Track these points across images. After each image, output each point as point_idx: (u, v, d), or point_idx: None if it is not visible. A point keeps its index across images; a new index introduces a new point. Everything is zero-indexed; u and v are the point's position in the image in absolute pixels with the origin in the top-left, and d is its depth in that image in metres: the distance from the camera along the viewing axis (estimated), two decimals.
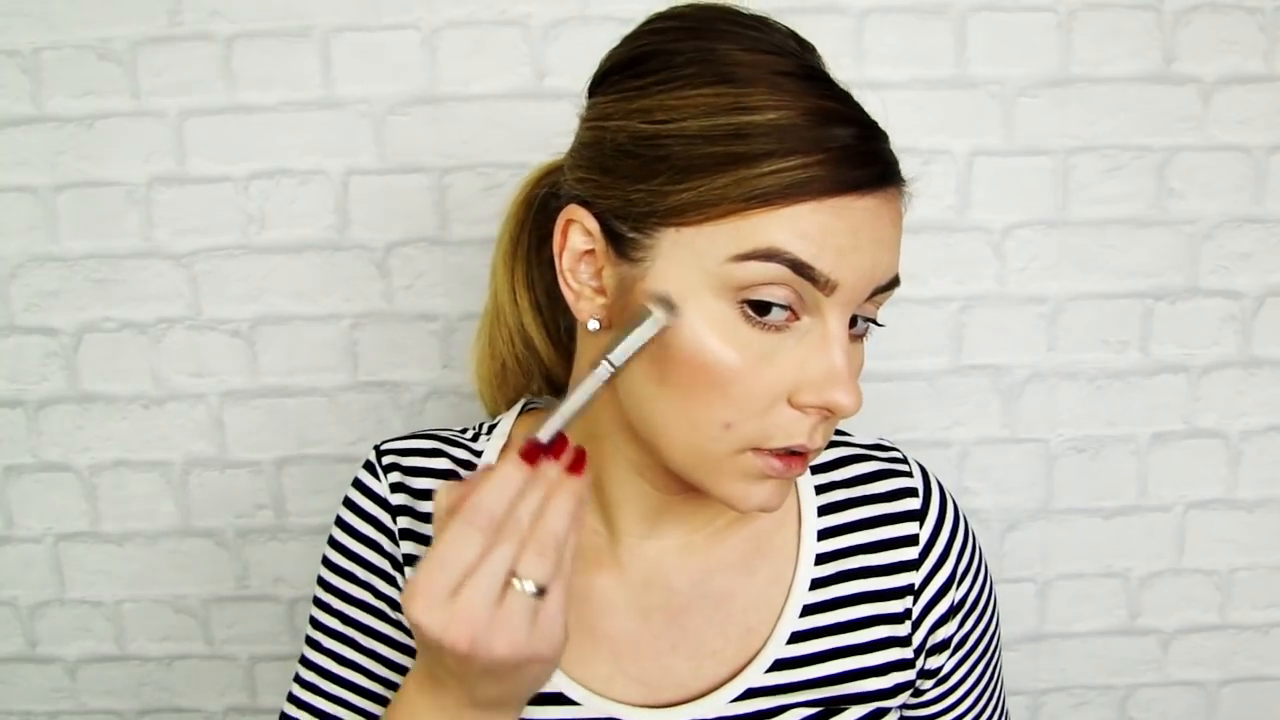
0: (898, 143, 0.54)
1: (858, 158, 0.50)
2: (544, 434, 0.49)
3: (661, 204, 0.51)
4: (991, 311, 1.01)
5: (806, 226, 0.49)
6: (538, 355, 0.69)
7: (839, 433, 0.69)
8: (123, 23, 0.95)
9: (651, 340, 0.51)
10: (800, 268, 0.50)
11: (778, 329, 0.51)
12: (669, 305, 0.51)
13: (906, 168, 0.54)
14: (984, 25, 0.96)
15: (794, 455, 0.54)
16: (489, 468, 0.48)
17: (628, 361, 0.51)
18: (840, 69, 0.55)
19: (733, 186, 0.49)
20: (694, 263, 0.51)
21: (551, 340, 0.69)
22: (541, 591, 0.46)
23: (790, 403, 0.52)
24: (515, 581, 0.46)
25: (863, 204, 0.51)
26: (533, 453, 0.48)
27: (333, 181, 0.98)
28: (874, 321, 0.56)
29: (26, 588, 1.07)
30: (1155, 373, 1.03)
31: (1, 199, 0.99)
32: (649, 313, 0.51)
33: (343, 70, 0.96)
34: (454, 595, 0.45)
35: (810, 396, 0.52)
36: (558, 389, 0.71)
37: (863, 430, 0.71)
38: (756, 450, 0.53)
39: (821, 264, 0.50)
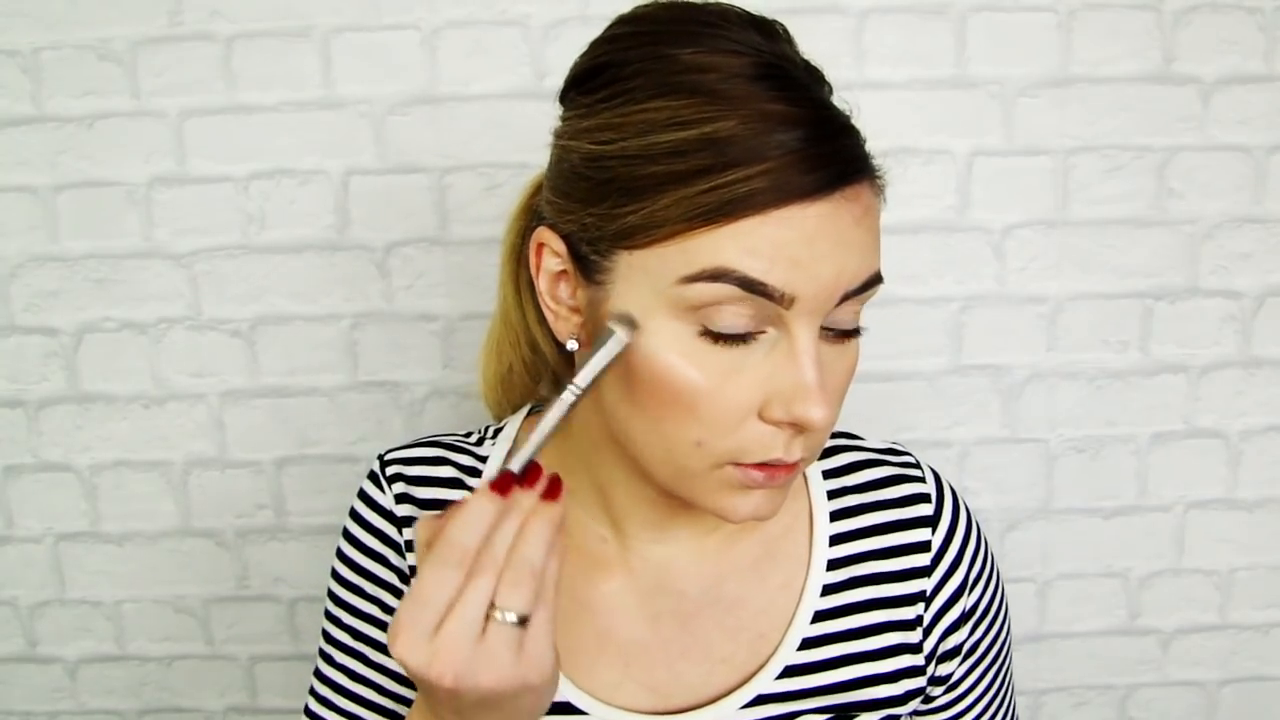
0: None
1: (805, 162, 0.48)
2: (515, 463, 0.48)
3: (611, 227, 0.51)
4: (991, 311, 1.01)
5: (754, 242, 0.48)
6: (544, 358, 0.69)
7: (852, 436, 0.69)
8: (123, 23, 0.95)
9: (617, 358, 0.50)
10: (751, 285, 0.48)
11: (742, 343, 0.50)
12: (630, 322, 0.50)
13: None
14: (984, 25, 0.96)
15: (776, 466, 0.53)
16: (462, 501, 0.48)
17: (593, 383, 0.50)
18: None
19: (674, 206, 0.48)
20: (648, 285, 0.50)
21: (557, 344, 0.69)
22: (523, 621, 0.46)
23: (761, 417, 0.51)
24: (496, 613, 0.45)
25: (816, 210, 0.48)
26: (505, 483, 0.48)
27: (333, 181, 0.98)
28: (854, 329, 0.54)
29: (26, 588, 1.07)
30: (1155, 373, 1.03)
31: (1, 199, 0.99)
32: (611, 332, 0.50)
33: (343, 70, 0.96)
34: (436, 632, 0.45)
35: (778, 411, 0.50)
36: None
37: (863, 431, 0.71)
38: (735, 464, 0.53)
39: (774, 279, 0.48)
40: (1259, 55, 0.97)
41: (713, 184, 0.48)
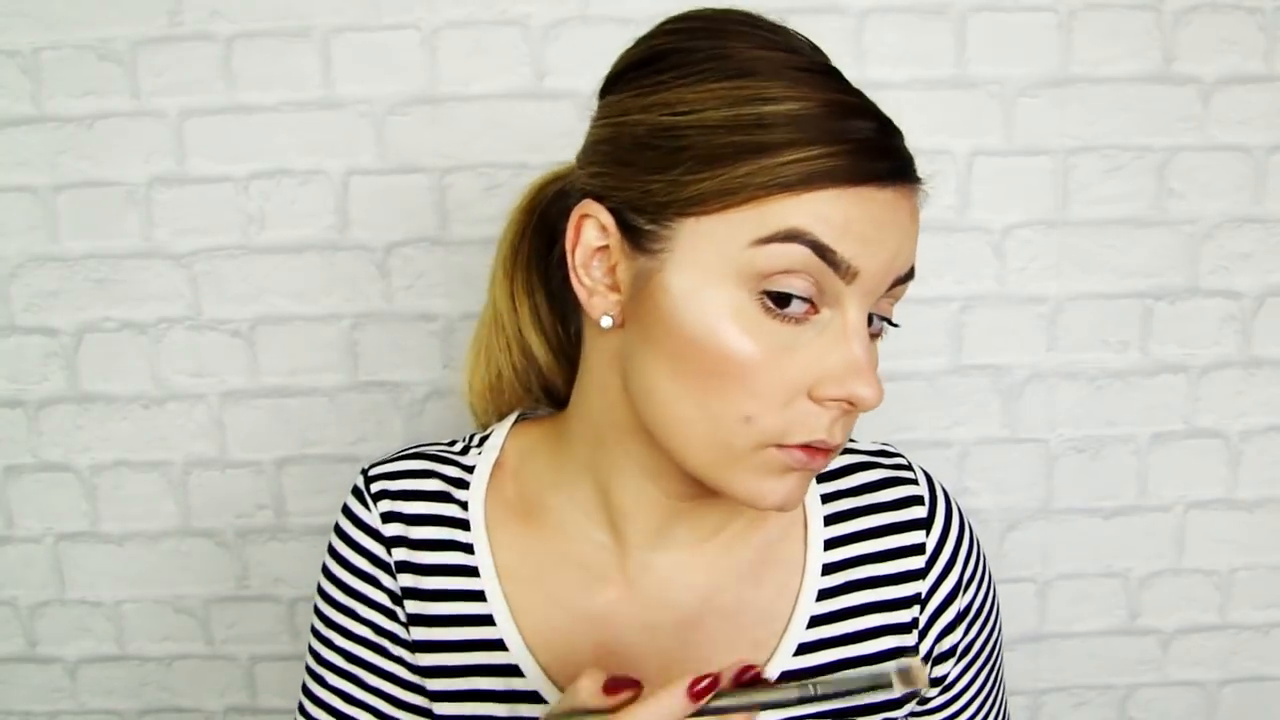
0: None
1: (878, 151, 0.51)
2: (712, 686, 0.48)
3: (681, 194, 0.51)
4: (991, 311, 1.01)
5: (828, 212, 0.50)
6: (537, 365, 0.68)
7: None
8: (123, 23, 0.95)
9: (865, 693, 0.48)
10: (822, 250, 0.49)
11: (797, 321, 0.51)
12: (909, 679, 0.48)
13: (919, 168, 0.55)
14: (984, 25, 0.96)
15: (817, 449, 0.53)
16: (657, 693, 0.47)
17: (835, 697, 0.49)
18: (840, 69, 0.55)
19: (755, 174, 0.50)
20: (714, 251, 0.51)
21: (551, 349, 0.68)
22: None
23: (810, 396, 0.52)
24: None
25: (883, 195, 0.51)
26: (704, 690, 0.48)
27: (333, 181, 0.98)
28: (889, 321, 0.56)
29: (26, 588, 1.07)
30: (1155, 373, 1.03)
31: (1, 199, 0.99)
32: (888, 676, 0.48)
33: (343, 70, 0.96)
34: None
35: (831, 389, 0.51)
36: (556, 400, 0.69)
37: (864, 430, 0.71)
38: (779, 446, 0.53)
39: (843, 249, 0.50)
40: (1259, 55, 0.97)
41: (797, 157, 0.49)
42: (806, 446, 0.53)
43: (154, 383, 1.02)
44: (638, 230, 0.53)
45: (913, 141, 1.02)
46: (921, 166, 0.56)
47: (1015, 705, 1.09)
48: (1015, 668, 1.07)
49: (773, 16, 0.55)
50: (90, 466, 1.04)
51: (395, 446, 1.03)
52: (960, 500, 0.97)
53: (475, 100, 0.97)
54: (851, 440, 0.69)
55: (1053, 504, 1.05)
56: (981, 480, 1.05)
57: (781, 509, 0.55)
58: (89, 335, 1.01)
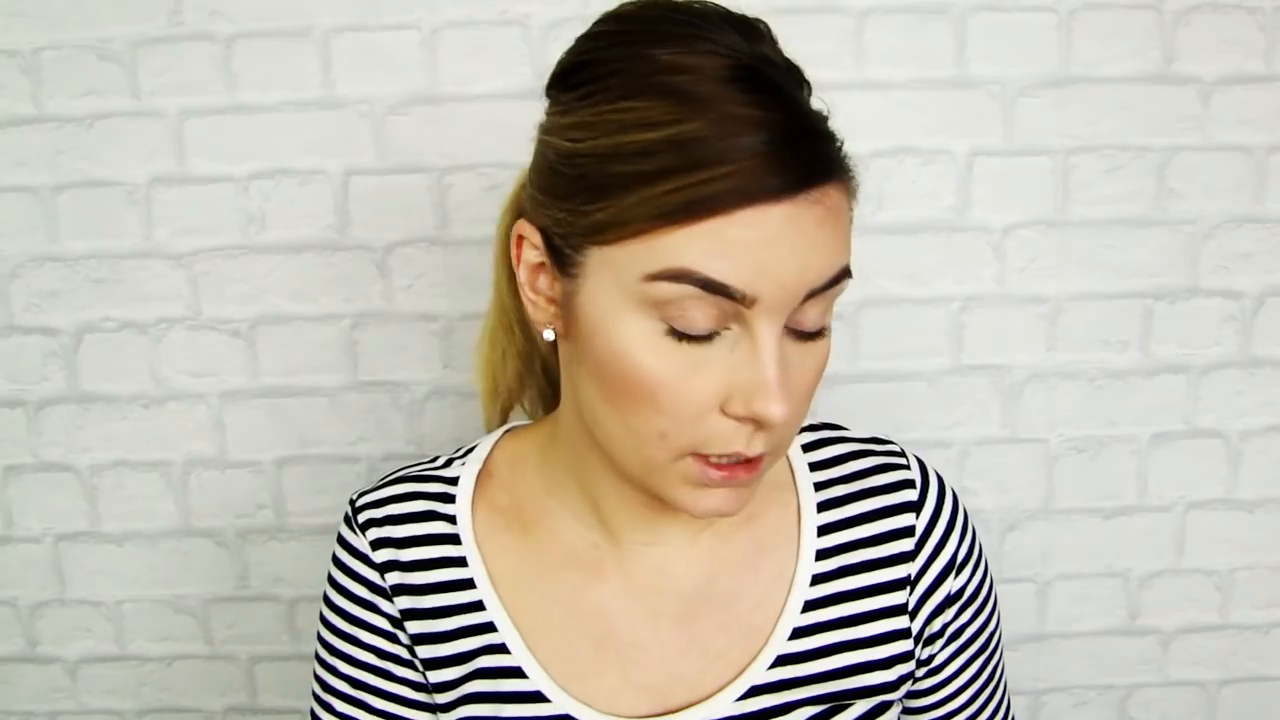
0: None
1: (769, 165, 0.48)
2: None
3: (582, 222, 0.52)
4: (991, 311, 1.01)
5: (717, 243, 0.48)
6: (536, 346, 0.71)
7: (836, 428, 0.69)
8: (123, 23, 0.95)
9: None
10: (711, 286, 0.49)
11: (705, 340, 0.51)
12: None
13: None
14: (984, 25, 0.96)
15: (738, 464, 0.54)
16: None
17: None
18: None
19: (640, 205, 0.49)
20: (615, 280, 0.51)
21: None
22: None
23: (723, 411, 0.52)
24: None
25: (779, 212, 0.49)
26: None
27: (333, 181, 0.98)
28: (820, 332, 0.54)
29: (26, 588, 1.07)
30: (1155, 373, 1.03)
31: (1, 199, 0.99)
32: None
33: (343, 70, 0.96)
34: None
35: (737, 407, 0.51)
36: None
37: (863, 430, 0.71)
38: (696, 456, 0.53)
39: (735, 280, 0.49)
40: (1259, 55, 0.97)
41: (677, 185, 0.48)
42: (724, 466, 0.53)
43: (154, 383, 1.02)
44: (560, 252, 0.54)
45: (912, 141, 1.02)
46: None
47: (1015, 705, 1.09)
48: (1015, 668, 1.07)
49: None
50: (90, 466, 1.04)
51: (395, 446, 1.03)
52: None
53: (475, 100, 0.97)
54: (845, 429, 0.69)
55: (1053, 504, 1.05)
56: (981, 480, 1.05)
57: (719, 515, 0.56)
58: (89, 335, 1.01)
